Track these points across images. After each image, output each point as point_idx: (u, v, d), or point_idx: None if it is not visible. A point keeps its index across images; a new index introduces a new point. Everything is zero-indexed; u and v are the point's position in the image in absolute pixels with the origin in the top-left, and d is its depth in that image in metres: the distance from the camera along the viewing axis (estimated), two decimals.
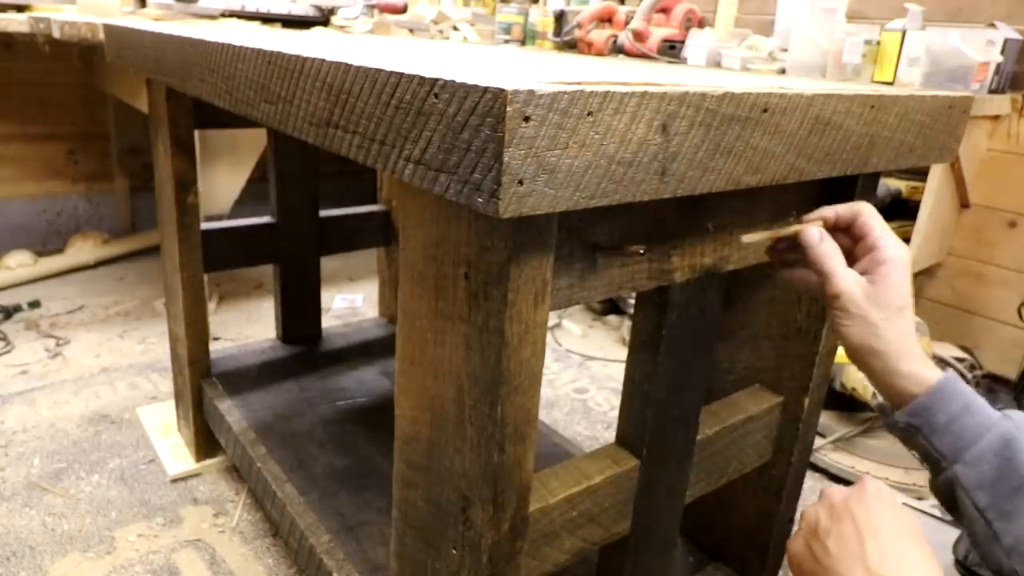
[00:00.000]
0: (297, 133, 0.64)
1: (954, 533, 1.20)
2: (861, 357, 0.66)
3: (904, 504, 1.28)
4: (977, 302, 1.86)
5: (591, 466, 0.74)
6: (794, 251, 0.70)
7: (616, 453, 0.77)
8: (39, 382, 1.70)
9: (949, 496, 0.63)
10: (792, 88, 0.62)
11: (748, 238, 0.70)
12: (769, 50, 1.96)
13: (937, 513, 1.30)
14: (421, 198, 0.59)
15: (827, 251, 0.66)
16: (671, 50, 2.11)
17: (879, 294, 0.64)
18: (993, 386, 1.67)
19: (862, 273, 0.66)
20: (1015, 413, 0.63)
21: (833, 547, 0.57)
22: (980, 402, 0.63)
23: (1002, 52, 1.59)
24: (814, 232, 0.67)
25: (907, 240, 1.75)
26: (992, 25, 1.68)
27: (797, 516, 0.98)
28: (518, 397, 0.57)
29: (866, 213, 0.67)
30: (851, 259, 0.68)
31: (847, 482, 1.51)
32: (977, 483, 0.60)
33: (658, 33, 2.16)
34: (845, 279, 0.65)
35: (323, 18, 2.13)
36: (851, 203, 0.69)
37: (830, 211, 0.69)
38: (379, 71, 0.52)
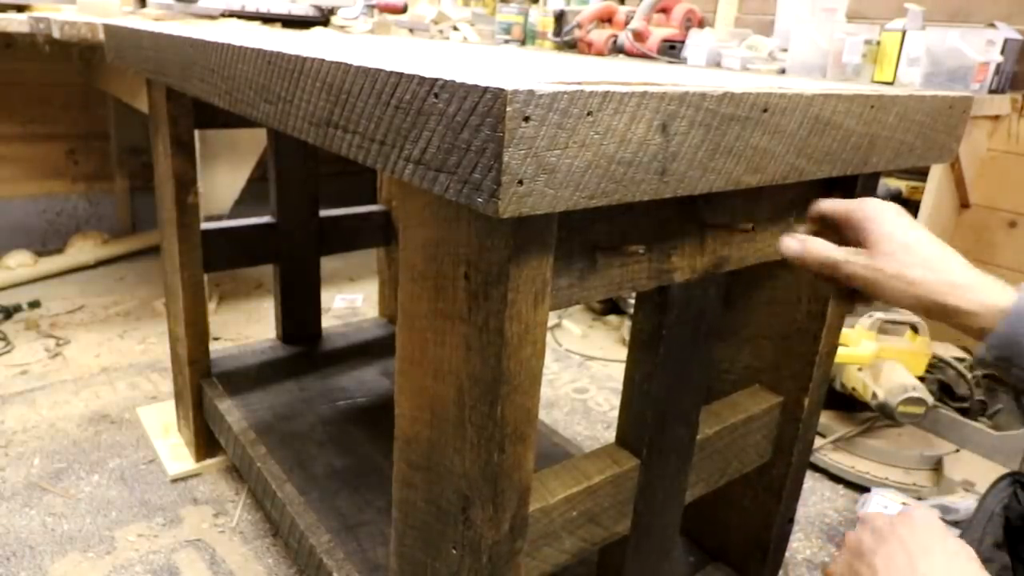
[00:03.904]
0: (297, 133, 0.64)
1: (954, 533, 1.20)
2: (925, 314, 0.61)
3: (903, 504, 1.28)
4: None
5: (591, 466, 0.74)
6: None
7: (616, 453, 0.77)
8: (39, 382, 1.70)
9: None
10: (792, 88, 0.62)
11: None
12: (769, 50, 1.96)
13: (937, 513, 1.30)
14: (421, 198, 0.59)
15: (813, 248, 0.63)
16: (671, 50, 2.11)
17: (877, 245, 0.61)
18: (993, 386, 1.67)
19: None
20: None
21: (881, 565, 0.54)
22: None
23: (1002, 52, 1.59)
24: (789, 242, 0.65)
25: None
26: (992, 25, 1.68)
27: (797, 515, 0.98)
28: (518, 397, 0.57)
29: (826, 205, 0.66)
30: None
31: (847, 482, 1.51)
32: None
33: (658, 33, 2.16)
34: (848, 260, 0.62)
35: (323, 18, 2.13)
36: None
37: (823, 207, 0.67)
38: (379, 71, 0.52)
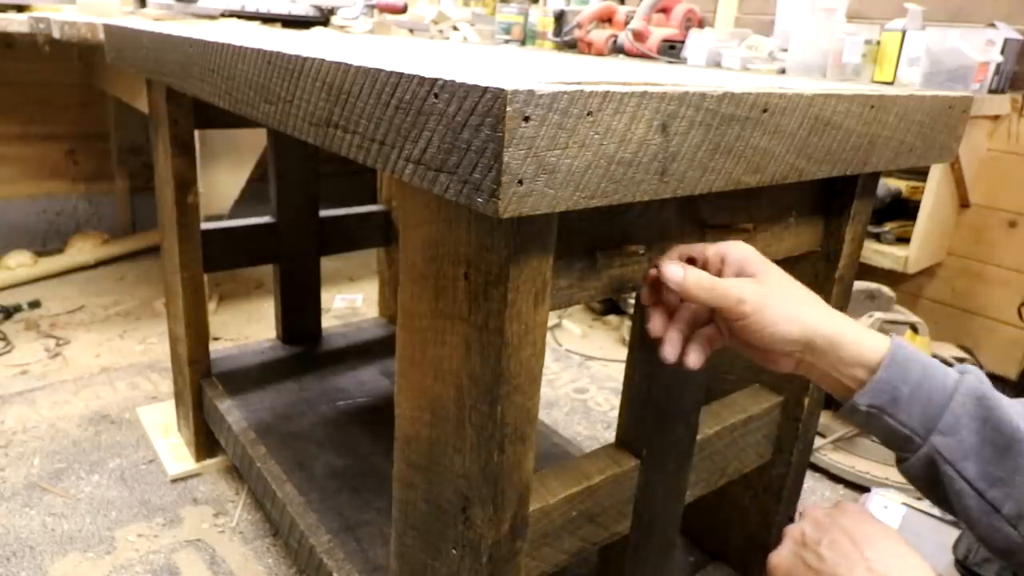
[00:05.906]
0: (297, 133, 0.64)
1: (954, 533, 1.20)
2: (804, 352, 0.58)
3: (904, 503, 1.28)
4: (977, 302, 1.86)
5: (591, 466, 0.74)
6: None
7: (616, 453, 0.77)
8: (39, 382, 1.70)
9: (925, 476, 0.57)
10: (792, 88, 0.62)
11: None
12: (769, 50, 1.96)
13: (937, 513, 1.30)
14: (421, 198, 0.59)
15: (694, 273, 0.58)
16: (671, 50, 2.11)
17: (762, 274, 0.58)
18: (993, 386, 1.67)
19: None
20: (967, 367, 0.58)
21: (827, 553, 0.55)
22: (933, 361, 0.57)
23: (1002, 52, 1.59)
24: (672, 269, 0.58)
25: (907, 240, 1.75)
26: (992, 25, 1.68)
27: (797, 513, 0.98)
28: (518, 397, 0.57)
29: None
30: None
31: (847, 482, 1.51)
32: (961, 453, 0.54)
33: (658, 33, 2.17)
34: (736, 283, 0.57)
35: (323, 18, 2.13)
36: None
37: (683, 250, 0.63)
38: (379, 71, 0.52)
